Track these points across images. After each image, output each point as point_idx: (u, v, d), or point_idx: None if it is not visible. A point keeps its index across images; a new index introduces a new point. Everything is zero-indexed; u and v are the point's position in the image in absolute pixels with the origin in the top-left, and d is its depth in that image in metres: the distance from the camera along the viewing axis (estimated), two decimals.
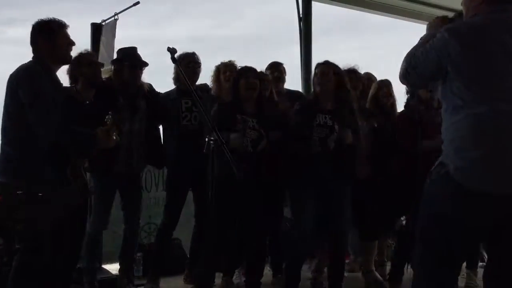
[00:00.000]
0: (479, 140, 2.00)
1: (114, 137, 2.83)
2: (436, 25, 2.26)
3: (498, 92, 2.01)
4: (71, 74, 3.52)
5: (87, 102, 3.47)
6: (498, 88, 2.02)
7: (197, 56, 4.00)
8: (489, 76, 2.03)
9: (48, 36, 2.85)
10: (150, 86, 3.86)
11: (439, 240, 2.09)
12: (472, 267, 3.97)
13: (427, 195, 2.17)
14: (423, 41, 2.22)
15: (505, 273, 2.14)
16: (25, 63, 2.84)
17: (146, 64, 3.74)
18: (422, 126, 3.61)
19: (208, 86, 4.06)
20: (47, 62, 2.86)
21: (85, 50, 3.69)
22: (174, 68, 3.94)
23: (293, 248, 3.61)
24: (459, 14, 2.29)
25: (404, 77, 2.21)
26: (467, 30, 2.09)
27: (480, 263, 4.31)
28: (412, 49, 2.22)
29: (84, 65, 3.50)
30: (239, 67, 3.75)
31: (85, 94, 3.49)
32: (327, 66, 3.57)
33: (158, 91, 4.02)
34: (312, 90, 3.78)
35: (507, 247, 2.10)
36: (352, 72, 4.00)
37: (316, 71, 3.60)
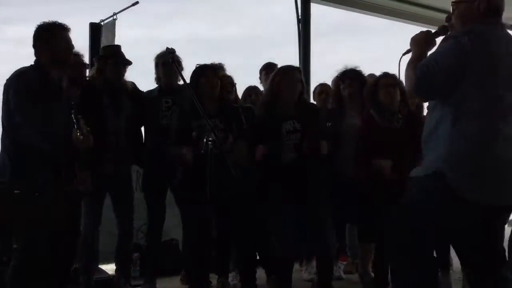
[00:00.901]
0: (486, 153, 2.01)
1: (85, 137, 2.76)
2: (421, 42, 2.23)
3: (504, 104, 2.03)
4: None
5: (72, 102, 3.45)
6: (503, 101, 2.03)
7: (176, 55, 3.98)
8: (502, 82, 2.04)
9: (47, 39, 2.88)
10: (134, 84, 3.85)
11: (421, 237, 2.11)
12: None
13: (413, 195, 2.17)
14: (416, 57, 2.19)
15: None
16: (21, 67, 2.85)
17: (129, 63, 3.72)
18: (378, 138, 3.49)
19: (188, 86, 3.93)
20: (45, 66, 2.86)
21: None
22: (155, 68, 3.94)
23: (279, 253, 3.57)
24: (443, 27, 2.28)
25: (417, 87, 2.14)
26: (480, 33, 2.07)
27: None
28: (409, 62, 2.18)
29: (69, 65, 3.50)
30: (198, 65, 3.66)
31: (70, 93, 3.47)
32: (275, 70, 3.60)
33: (149, 89, 4.00)
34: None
35: (486, 253, 2.17)
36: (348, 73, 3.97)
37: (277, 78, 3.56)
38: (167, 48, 3.13)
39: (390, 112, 3.62)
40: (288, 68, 3.59)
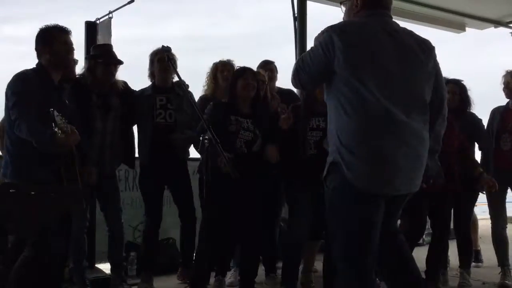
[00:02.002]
0: (365, 140, 2.06)
1: (68, 135, 2.68)
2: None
3: (383, 90, 2.06)
4: None
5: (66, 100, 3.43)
6: (382, 86, 2.07)
7: (171, 53, 3.96)
8: (372, 72, 2.08)
9: (46, 42, 2.93)
10: (125, 83, 3.83)
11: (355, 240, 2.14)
12: (465, 267, 3.99)
13: (332, 204, 2.22)
14: None
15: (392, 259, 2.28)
16: (22, 70, 2.89)
17: (120, 62, 3.70)
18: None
19: (185, 82, 3.74)
20: (46, 68, 2.91)
21: None
22: (149, 64, 3.93)
23: (290, 250, 3.60)
24: None
25: (294, 78, 2.26)
26: (349, 27, 2.19)
27: (473, 263, 4.34)
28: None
29: (70, 68, 3.50)
30: (237, 67, 3.72)
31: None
32: None
33: (134, 89, 3.98)
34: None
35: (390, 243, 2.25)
36: None
37: None
38: (163, 46, 3.13)
39: None
40: None
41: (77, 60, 3.72)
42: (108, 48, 3.78)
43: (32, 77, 2.85)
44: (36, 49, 2.96)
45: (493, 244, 4.14)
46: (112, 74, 3.66)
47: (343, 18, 2.35)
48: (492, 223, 4.15)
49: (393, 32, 2.18)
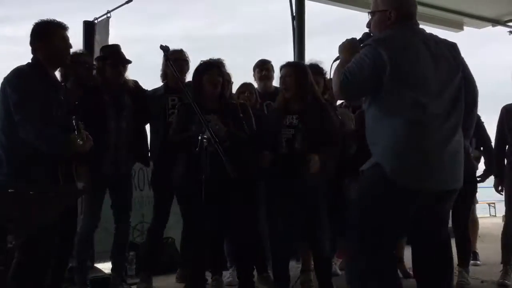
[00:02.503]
0: (414, 144, 2.22)
1: (85, 141, 2.73)
2: (348, 48, 2.43)
3: (426, 96, 2.22)
4: (64, 72, 3.50)
5: (76, 102, 3.44)
6: (425, 92, 2.23)
7: (184, 53, 3.96)
8: (417, 81, 2.24)
9: (44, 37, 2.86)
10: (136, 83, 3.84)
11: (375, 230, 2.26)
12: (464, 266, 3.99)
13: (363, 193, 2.38)
14: (342, 63, 2.38)
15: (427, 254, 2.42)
16: (19, 66, 2.83)
17: (129, 62, 3.72)
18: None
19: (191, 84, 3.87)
20: (43, 64, 2.85)
21: (80, 50, 3.68)
22: (162, 64, 3.94)
23: (274, 249, 3.59)
24: (366, 34, 2.49)
25: (341, 90, 2.33)
26: (391, 38, 2.30)
27: (472, 261, 4.34)
28: (337, 67, 2.38)
29: (81, 65, 3.50)
30: (202, 62, 3.66)
31: (74, 94, 3.46)
32: (289, 68, 3.56)
33: (145, 88, 4.00)
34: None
35: (427, 233, 2.41)
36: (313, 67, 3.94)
37: (280, 73, 3.59)
38: (161, 46, 3.13)
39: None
40: (286, 65, 3.63)
41: (95, 65, 3.74)
42: (115, 48, 3.78)
43: (30, 73, 2.79)
44: (32, 44, 2.87)
45: (502, 242, 4.12)
46: (121, 74, 3.68)
47: (368, 27, 2.46)
48: (506, 221, 4.13)
49: (427, 41, 2.32)
